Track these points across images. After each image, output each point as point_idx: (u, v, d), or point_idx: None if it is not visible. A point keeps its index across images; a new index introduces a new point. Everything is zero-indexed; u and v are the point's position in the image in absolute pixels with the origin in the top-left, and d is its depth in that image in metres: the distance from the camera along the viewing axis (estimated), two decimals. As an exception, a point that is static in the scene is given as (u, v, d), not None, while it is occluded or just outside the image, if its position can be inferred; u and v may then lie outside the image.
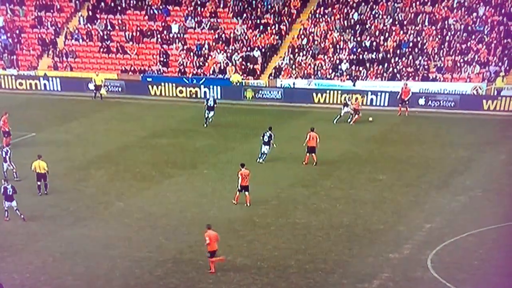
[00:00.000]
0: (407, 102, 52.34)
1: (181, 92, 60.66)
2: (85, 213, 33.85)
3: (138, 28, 67.39)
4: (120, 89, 61.75)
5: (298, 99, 57.54)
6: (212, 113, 49.99)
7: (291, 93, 58.43)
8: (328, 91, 56.74)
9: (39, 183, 35.86)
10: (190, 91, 60.36)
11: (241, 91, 59.46)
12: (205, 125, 49.77)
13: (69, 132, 48.61)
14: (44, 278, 27.09)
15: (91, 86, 60.27)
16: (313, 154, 40.37)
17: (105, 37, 67.20)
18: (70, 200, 35.50)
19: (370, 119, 49.84)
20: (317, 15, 63.93)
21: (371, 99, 55.66)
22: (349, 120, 49.96)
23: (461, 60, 56.84)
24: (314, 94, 57.39)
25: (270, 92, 59.06)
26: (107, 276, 27.31)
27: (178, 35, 66.08)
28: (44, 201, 35.32)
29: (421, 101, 54.43)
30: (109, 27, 68.02)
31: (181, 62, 63.69)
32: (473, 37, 58.13)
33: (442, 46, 58.34)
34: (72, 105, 58.51)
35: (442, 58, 57.64)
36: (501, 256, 28.39)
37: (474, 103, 53.40)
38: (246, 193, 34.38)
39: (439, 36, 59.00)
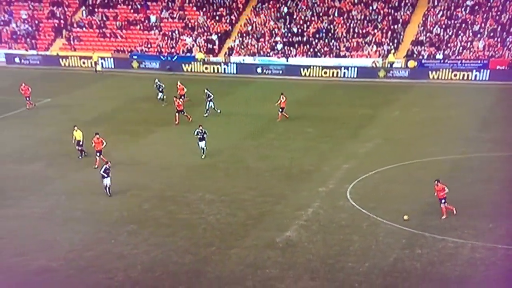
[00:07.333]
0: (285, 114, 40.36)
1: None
2: None
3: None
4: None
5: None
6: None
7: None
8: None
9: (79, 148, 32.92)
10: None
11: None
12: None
13: None
14: None
15: None
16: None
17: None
18: None
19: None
20: (257, 9, 62.06)
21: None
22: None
23: (362, 42, 55.98)
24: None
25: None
26: None
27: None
28: None
29: (339, 73, 52.89)
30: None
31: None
32: (370, 24, 57.01)
33: (348, 32, 57.10)
34: None
35: (350, 40, 56.48)
36: (398, 188, 27.96)
37: (371, 73, 52.31)
38: (101, 156, 31.14)
39: (346, 24, 57.84)
